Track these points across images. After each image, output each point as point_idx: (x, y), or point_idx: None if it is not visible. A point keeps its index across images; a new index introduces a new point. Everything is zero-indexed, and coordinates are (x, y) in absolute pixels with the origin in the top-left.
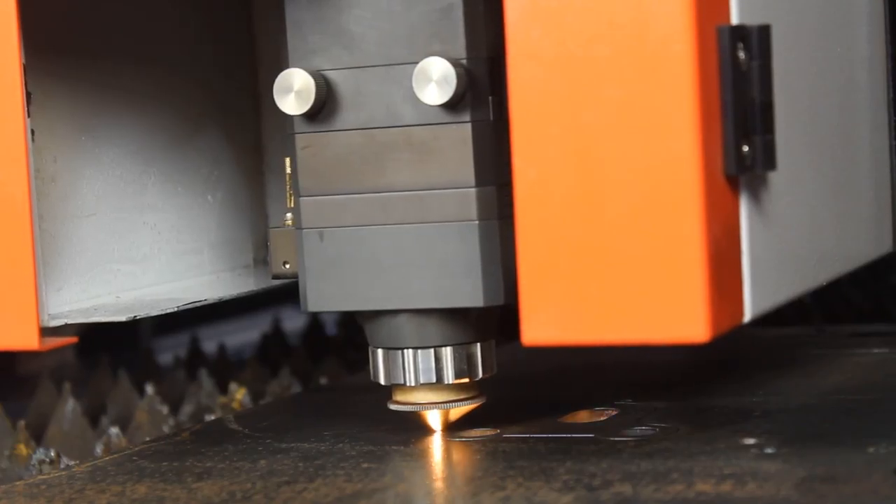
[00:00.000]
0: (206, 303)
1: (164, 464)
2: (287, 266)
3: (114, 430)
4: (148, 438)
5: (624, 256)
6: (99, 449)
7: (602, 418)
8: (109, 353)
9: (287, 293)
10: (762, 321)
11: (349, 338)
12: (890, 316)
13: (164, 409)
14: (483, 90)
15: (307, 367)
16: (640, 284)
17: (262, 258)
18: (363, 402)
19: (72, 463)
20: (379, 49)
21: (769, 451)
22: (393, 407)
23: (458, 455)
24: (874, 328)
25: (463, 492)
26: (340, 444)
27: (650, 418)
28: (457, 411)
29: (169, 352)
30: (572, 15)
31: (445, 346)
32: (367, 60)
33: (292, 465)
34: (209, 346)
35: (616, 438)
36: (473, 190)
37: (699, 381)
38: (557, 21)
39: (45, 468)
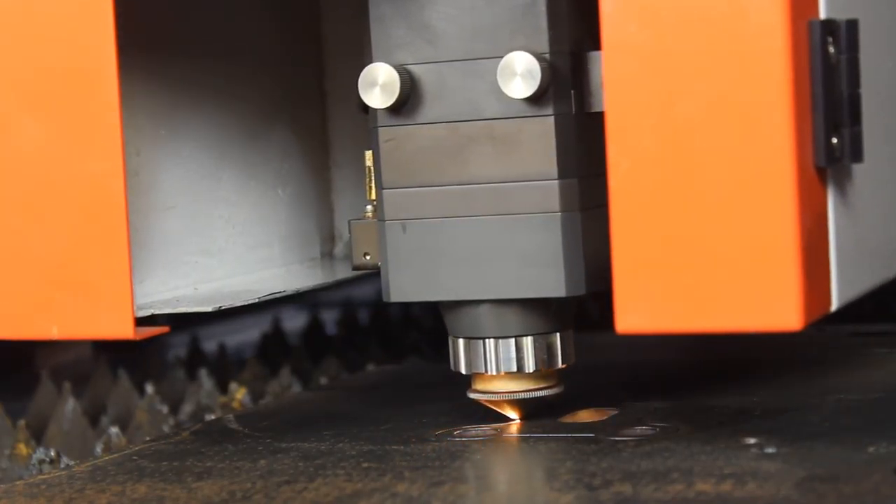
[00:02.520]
0: (283, 294)
1: (164, 463)
2: (368, 257)
3: (114, 430)
4: (148, 438)
5: (717, 246)
6: (99, 448)
7: (602, 418)
8: (109, 352)
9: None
10: None
11: (349, 338)
12: (890, 316)
13: (164, 409)
14: (565, 84)
15: (307, 367)
16: (733, 273)
17: (328, 251)
18: (363, 402)
19: (72, 462)
20: (462, 44)
21: (769, 450)
22: (472, 396)
23: (457, 455)
24: (874, 328)
25: (463, 491)
26: (340, 444)
27: (650, 418)
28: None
29: (169, 351)
30: (667, 8)
31: (526, 335)
32: (450, 55)
33: (292, 465)
34: (209, 346)
35: (616, 438)
36: (556, 182)
37: (699, 381)
38: (652, 14)
39: (45, 468)
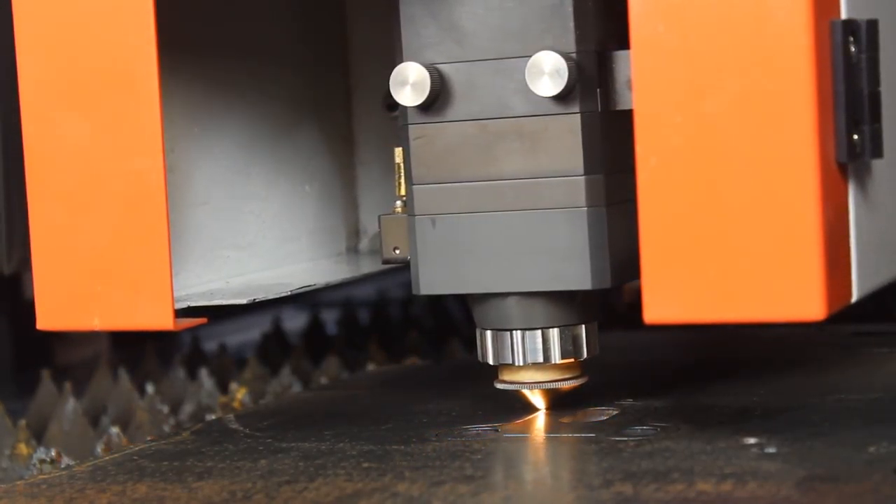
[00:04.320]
0: (314, 288)
1: (165, 463)
2: (397, 251)
3: (114, 430)
4: (148, 438)
5: (743, 239)
6: (99, 448)
7: (602, 418)
8: (110, 352)
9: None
10: None
11: (349, 338)
12: (890, 316)
13: (165, 409)
14: (591, 82)
15: (307, 367)
16: (759, 265)
17: (353, 246)
18: (363, 402)
19: (72, 462)
20: (491, 43)
21: (770, 450)
22: (500, 386)
23: (457, 455)
24: (875, 328)
25: (463, 491)
26: (340, 444)
27: (650, 418)
28: (561, 389)
29: (169, 351)
30: (694, 9)
31: (553, 327)
32: (479, 54)
33: (293, 465)
34: (209, 346)
35: (616, 438)
36: (582, 178)
37: (699, 381)
38: (679, 14)
39: (46, 467)
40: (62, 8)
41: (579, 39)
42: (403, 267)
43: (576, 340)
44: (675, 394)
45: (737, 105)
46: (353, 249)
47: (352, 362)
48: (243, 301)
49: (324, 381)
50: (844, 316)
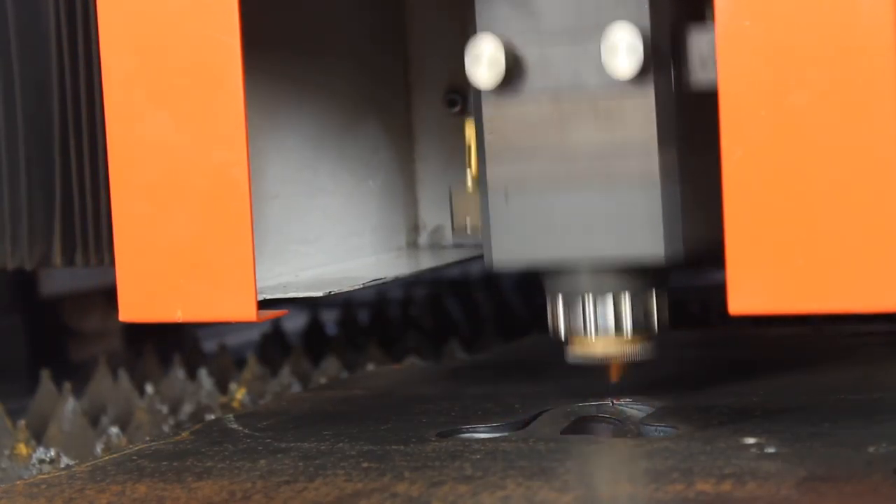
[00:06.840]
0: (384, 282)
1: (164, 463)
2: (468, 228)
3: (114, 430)
4: (148, 438)
5: (827, 230)
6: (99, 448)
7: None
8: (109, 352)
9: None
10: (762, 321)
11: (349, 338)
12: (890, 316)
13: (165, 409)
14: (665, 59)
15: (307, 367)
16: (844, 257)
17: (413, 241)
18: (363, 402)
19: (72, 462)
20: (565, 18)
21: (769, 450)
22: (572, 360)
23: (457, 455)
24: (874, 328)
25: (463, 491)
26: (340, 444)
27: (650, 418)
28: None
29: (169, 351)
30: (780, 3)
31: (625, 299)
32: (553, 29)
33: (292, 465)
34: (209, 346)
35: (616, 438)
36: (656, 152)
37: (699, 381)
38: (765, 9)
39: (46, 468)
40: (147, 3)
41: (654, 15)
42: (452, 265)
43: (647, 312)
44: (675, 394)
45: (822, 98)
46: (412, 244)
47: (352, 362)
48: (319, 293)
49: (323, 381)
50: (844, 316)
